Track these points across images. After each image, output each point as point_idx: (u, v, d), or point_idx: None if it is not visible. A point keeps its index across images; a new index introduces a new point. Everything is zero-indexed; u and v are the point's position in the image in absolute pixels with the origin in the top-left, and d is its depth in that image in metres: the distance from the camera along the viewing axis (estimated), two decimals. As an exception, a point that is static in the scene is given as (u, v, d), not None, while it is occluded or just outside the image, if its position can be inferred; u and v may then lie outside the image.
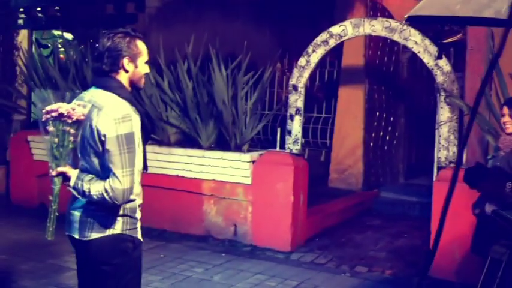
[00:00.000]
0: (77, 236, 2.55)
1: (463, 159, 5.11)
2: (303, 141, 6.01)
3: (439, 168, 5.17)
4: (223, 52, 6.33)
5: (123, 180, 2.39)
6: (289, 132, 5.90)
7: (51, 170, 2.49)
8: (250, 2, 8.39)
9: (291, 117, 5.91)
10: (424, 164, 8.48)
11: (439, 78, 5.24)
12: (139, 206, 2.60)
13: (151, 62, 6.85)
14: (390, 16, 7.41)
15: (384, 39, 7.47)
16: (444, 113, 5.18)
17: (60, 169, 2.48)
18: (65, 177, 2.49)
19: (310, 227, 6.01)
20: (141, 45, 2.56)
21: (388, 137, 7.99)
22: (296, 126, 5.87)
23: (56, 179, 2.49)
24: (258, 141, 6.35)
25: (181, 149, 6.17)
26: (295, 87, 5.92)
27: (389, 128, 8.01)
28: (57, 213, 2.51)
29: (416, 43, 5.31)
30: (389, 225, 6.63)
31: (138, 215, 2.60)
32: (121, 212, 2.51)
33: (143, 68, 2.58)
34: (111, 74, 2.53)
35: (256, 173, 5.77)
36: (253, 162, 5.82)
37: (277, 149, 5.95)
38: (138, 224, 2.60)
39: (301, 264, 5.28)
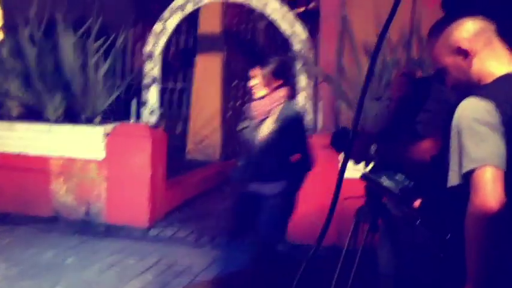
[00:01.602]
0: None
1: (318, 125, 5.21)
2: (161, 112, 5.76)
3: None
4: (71, 16, 5.84)
5: None
6: (145, 103, 5.61)
7: None
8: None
9: (147, 87, 5.61)
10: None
11: (296, 45, 5.25)
12: None
13: None
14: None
15: (240, 6, 7.37)
16: (301, 81, 5.21)
17: None
18: None
19: (170, 200, 5.82)
20: None
21: (246, 106, 7.98)
22: (153, 96, 5.59)
23: None
24: (112, 114, 5.98)
25: (25, 124, 5.62)
26: (150, 55, 5.62)
27: (248, 97, 7.99)
28: None
29: (274, 10, 5.25)
30: (249, 194, 6.63)
31: None
32: None
33: None
34: None
35: (111, 146, 5.42)
36: (107, 135, 5.46)
37: (133, 120, 5.63)
38: None
39: (161, 240, 5.09)
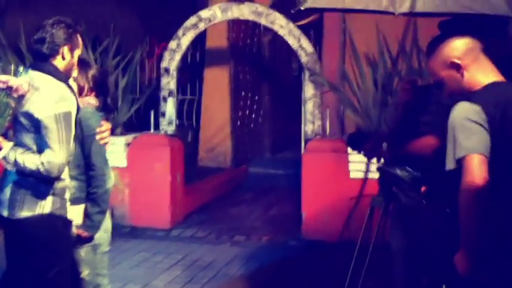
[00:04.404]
0: (5, 214, 2.57)
1: (327, 131, 5.64)
2: (177, 122, 6.19)
3: (306, 141, 5.63)
4: (88, 36, 6.26)
5: (60, 155, 2.50)
6: (163, 114, 6.04)
7: None
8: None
9: (164, 99, 6.05)
10: (287, 139, 9.07)
11: (303, 58, 5.69)
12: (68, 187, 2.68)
13: (12, 48, 6.51)
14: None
15: (246, 22, 7.82)
16: (309, 90, 5.65)
17: None
18: None
19: (187, 205, 6.22)
20: (79, 39, 2.68)
21: (253, 115, 8.42)
22: (170, 108, 6.03)
23: None
24: (131, 125, 6.41)
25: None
26: (167, 70, 6.06)
27: (255, 107, 8.44)
28: None
29: (281, 26, 5.71)
30: (260, 197, 7.06)
31: (67, 195, 2.68)
32: (51, 191, 2.58)
33: (76, 60, 2.69)
34: (49, 59, 2.61)
35: (132, 155, 5.83)
36: (128, 145, 5.87)
37: (152, 130, 6.05)
38: (67, 204, 2.68)
39: (183, 239, 5.49)
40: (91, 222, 2.86)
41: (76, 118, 2.65)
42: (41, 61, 2.61)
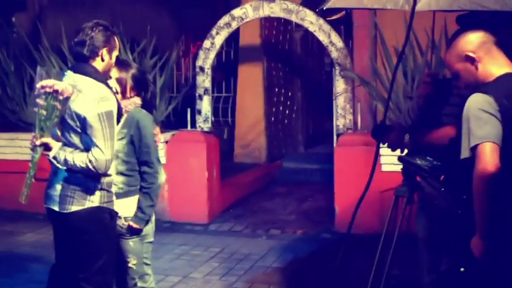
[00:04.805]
0: (56, 209, 2.78)
1: (358, 125, 5.73)
2: (213, 120, 6.38)
3: (338, 135, 5.74)
4: (126, 36, 6.49)
5: (106, 152, 2.69)
6: (199, 112, 6.23)
7: (35, 140, 2.73)
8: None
9: (200, 97, 6.24)
10: (320, 134, 9.19)
11: (334, 54, 5.79)
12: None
13: (54, 49, 6.79)
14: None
15: (278, 19, 7.95)
16: (340, 85, 5.75)
17: (44, 140, 2.72)
18: (46, 148, 2.74)
19: (224, 199, 6.41)
20: (117, 41, 2.87)
21: (287, 111, 8.55)
22: (205, 105, 6.21)
23: (38, 148, 2.73)
24: (169, 123, 6.64)
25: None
26: (202, 69, 6.24)
27: (288, 102, 8.57)
28: (33, 180, 2.74)
29: (311, 23, 5.82)
30: (294, 192, 7.19)
31: (114, 189, 2.89)
32: (99, 186, 2.79)
33: (114, 61, 2.88)
34: (89, 60, 2.80)
35: (170, 152, 6.04)
36: (167, 142, 6.08)
37: (189, 128, 6.26)
38: (114, 198, 2.89)
39: (220, 233, 5.68)
40: (143, 215, 3.05)
41: (118, 116, 2.82)
42: (82, 62, 2.80)
